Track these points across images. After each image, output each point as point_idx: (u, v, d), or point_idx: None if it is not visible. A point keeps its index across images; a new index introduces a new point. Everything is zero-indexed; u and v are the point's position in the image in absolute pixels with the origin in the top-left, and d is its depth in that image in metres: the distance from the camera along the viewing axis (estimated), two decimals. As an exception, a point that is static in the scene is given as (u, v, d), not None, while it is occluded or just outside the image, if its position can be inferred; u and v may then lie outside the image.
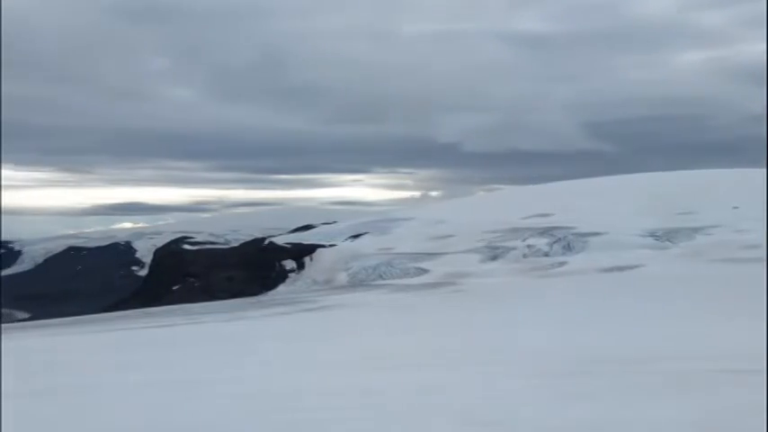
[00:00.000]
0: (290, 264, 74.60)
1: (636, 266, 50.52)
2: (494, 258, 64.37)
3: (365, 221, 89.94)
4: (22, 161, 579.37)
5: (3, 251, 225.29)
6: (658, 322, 18.95)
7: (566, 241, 65.99)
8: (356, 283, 60.67)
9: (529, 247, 66.03)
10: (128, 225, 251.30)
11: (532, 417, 7.34)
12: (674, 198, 72.13)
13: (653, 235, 65.13)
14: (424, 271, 61.10)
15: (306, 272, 72.22)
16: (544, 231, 69.79)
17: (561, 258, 60.96)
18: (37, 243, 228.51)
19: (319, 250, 75.16)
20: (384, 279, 60.55)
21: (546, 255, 63.61)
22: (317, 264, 72.44)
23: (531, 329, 18.49)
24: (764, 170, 74.30)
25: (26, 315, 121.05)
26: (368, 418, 7.60)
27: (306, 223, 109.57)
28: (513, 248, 66.05)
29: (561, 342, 15.04)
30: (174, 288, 75.29)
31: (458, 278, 53.68)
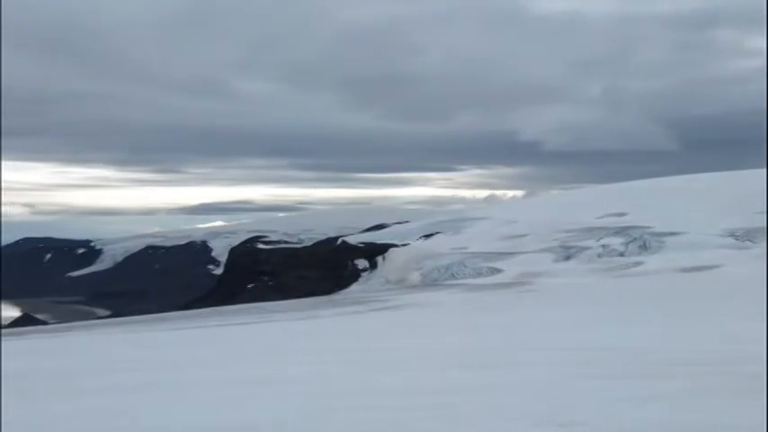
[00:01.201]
0: (362, 263, 74.96)
1: (715, 267, 49.35)
2: (567, 258, 63.66)
3: (438, 221, 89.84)
4: (114, 160, 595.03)
5: (84, 250, 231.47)
6: (738, 323, 18.45)
7: (641, 241, 64.86)
8: (429, 283, 60.63)
9: (603, 246, 65.12)
10: (207, 225, 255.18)
11: (606, 418, 7.19)
12: (755, 197, 70.22)
13: (733, 235, 63.56)
14: (497, 271, 60.75)
15: (378, 271, 72.48)
16: (619, 231, 68.71)
17: (637, 258, 59.96)
18: (117, 242, 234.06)
19: (392, 249, 75.35)
20: (456, 278, 60.39)
21: (621, 255, 62.65)
22: (390, 263, 72.62)
23: (606, 330, 18.19)
24: None
25: (106, 312, 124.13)
26: (439, 418, 7.55)
27: (379, 223, 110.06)
28: (588, 248, 65.22)
29: (637, 343, 14.76)
30: (249, 287, 76.35)
31: (531, 278, 53.23)
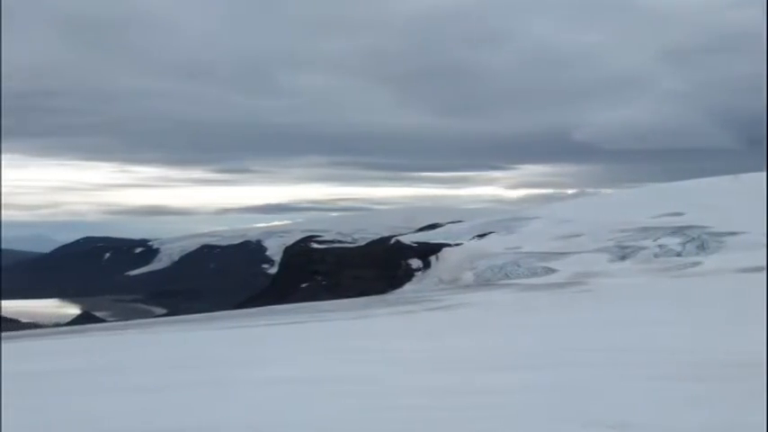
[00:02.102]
0: (416, 262, 74.92)
1: (776, 267, 48.26)
2: (623, 258, 62.91)
3: (492, 220, 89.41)
4: (174, 160, 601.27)
5: (142, 249, 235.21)
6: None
7: (699, 241, 63.77)
8: (482, 283, 60.41)
9: (660, 246, 64.20)
10: (262, 224, 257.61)
11: (659, 420, 7.11)
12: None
13: (794, 234, 62.11)
14: (552, 270, 60.29)
15: (432, 270, 72.39)
16: (676, 231, 67.65)
17: (695, 258, 59.00)
18: (173, 242, 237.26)
19: (445, 249, 75.20)
20: (510, 278, 60.07)
21: (678, 255, 61.70)
22: (443, 263, 72.48)
23: (662, 331, 17.94)
24: None
25: (163, 311, 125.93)
26: (490, 418, 7.54)
27: (433, 222, 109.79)
28: (644, 248, 64.36)
29: (693, 344, 14.55)
30: (303, 286, 76.80)
31: (586, 278, 52.71)
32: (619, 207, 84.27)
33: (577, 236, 72.28)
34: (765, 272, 39.73)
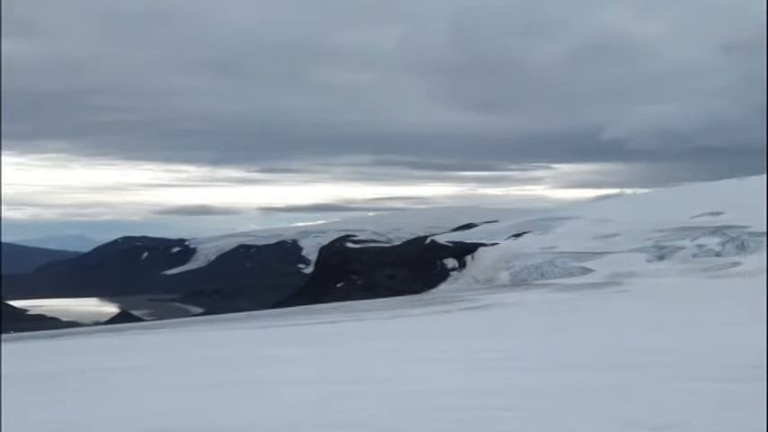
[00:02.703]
0: (451, 262, 74.79)
1: (817, 267, 47.55)
2: (661, 258, 62.31)
3: (528, 220, 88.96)
4: (214, 159, 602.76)
5: (179, 249, 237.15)
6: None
7: (739, 241, 62.96)
8: (518, 282, 60.17)
9: (699, 246, 63.49)
10: (298, 224, 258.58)
11: (700, 422, 7.05)
12: None
13: (836, 234, 61.12)
14: (588, 270, 59.89)
15: (467, 270, 72.22)
16: (715, 230, 66.84)
17: (734, 259, 58.29)
18: (210, 241, 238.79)
19: (481, 249, 74.97)
20: (546, 278, 59.78)
21: (717, 255, 60.98)
22: (479, 262, 72.28)
23: (701, 331, 17.77)
24: None
25: (200, 310, 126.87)
26: (528, 419, 7.52)
27: (468, 222, 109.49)
28: (682, 248, 63.70)
29: (732, 345, 14.38)
30: (338, 285, 76.98)
31: (623, 278, 52.32)
32: (657, 206, 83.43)
33: (614, 236, 71.70)
34: None
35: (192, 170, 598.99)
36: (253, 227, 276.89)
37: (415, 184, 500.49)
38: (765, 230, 62.59)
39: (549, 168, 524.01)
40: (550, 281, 57.24)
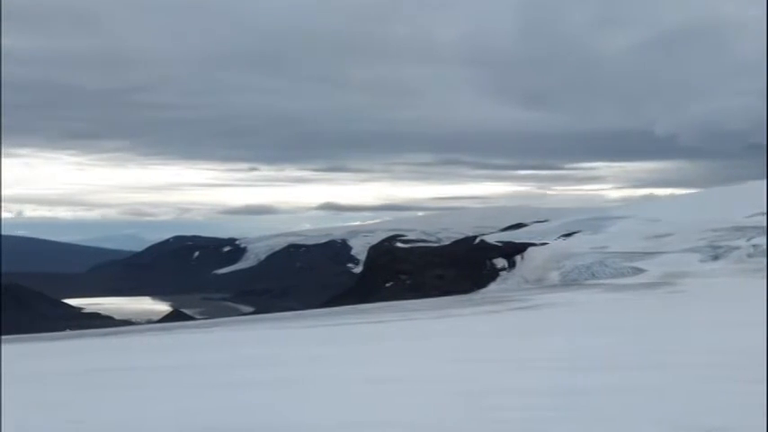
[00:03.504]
0: (500, 262, 74.45)
1: None
2: (715, 258, 61.32)
3: (579, 219, 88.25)
4: (270, 158, 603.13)
5: (230, 248, 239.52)
6: None
7: (796, 240, 61.68)
8: (568, 283, 59.65)
9: (754, 246, 62.33)
10: (348, 223, 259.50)
11: (749, 425, 6.92)
12: None
13: None
14: (640, 271, 59.16)
15: (517, 270, 71.83)
16: (772, 230, 65.54)
17: (791, 258, 57.10)
18: (260, 241, 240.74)
19: (531, 249, 74.51)
20: (597, 278, 59.18)
21: (773, 255, 59.80)
22: (529, 262, 71.84)
23: (754, 333, 17.41)
24: None
25: (250, 309, 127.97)
26: (577, 420, 7.46)
27: (518, 221, 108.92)
28: (737, 248, 62.61)
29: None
30: (387, 285, 77.05)
31: (676, 278, 51.56)
32: (711, 206, 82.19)
33: (667, 235, 70.76)
34: None
35: (248, 169, 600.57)
36: (306, 226, 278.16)
37: (475, 184, 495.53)
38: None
39: (607, 167, 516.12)
40: (601, 281, 56.65)
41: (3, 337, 36.70)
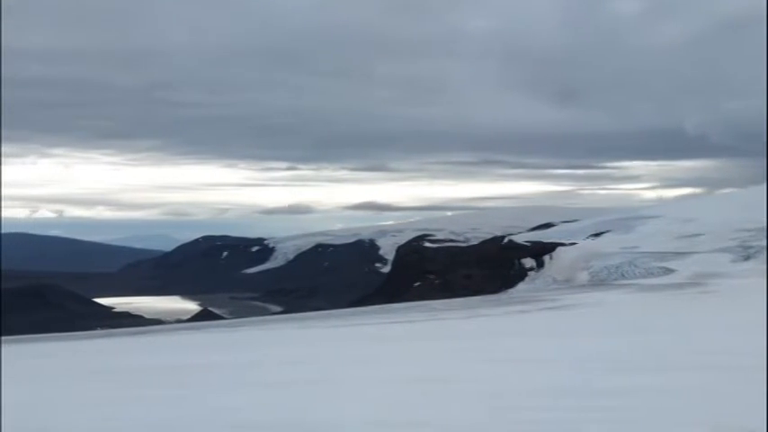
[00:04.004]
0: (529, 262, 74.25)
1: None
2: (747, 258, 60.75)
3: (608, 219, 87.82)
4: (303, 157, 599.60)
5: (258, 248, 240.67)
6: None
7: (829, 240, 60.96)
8: (597, 283, 59.32)
9: (787, 246, 61.63)
10: (375, 223, 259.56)
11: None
12: None
13: None
14: (670, 271, 58.72)
15: (545, 270, 71.61)
16: (805, 230, 64.80)
17: (824, 259, 56.44)
18: (288, 240, 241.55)
19: (559, 248, 74.23)
20: (627, 278, 58.81)
21: (807, 255, 59.12)
22: (557, 262, 71.58)
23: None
24: None
25: (279, 308, 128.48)
26: (610, 421, 7.42)
27: (546, 221, 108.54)
28: (769, 248, 61.91)
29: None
30: (415, 285, 77.09)
31: (707, 279, 51.11)
32: (742, 206, 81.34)
33: (698, 235, 70.18)
34: None
35: (281, 168, 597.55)
36: (339, 226, 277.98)
37: (511, 183, 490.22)
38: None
39: (644, 166, 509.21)
40: (631, 281, 56.26)
41: (35, 335, 37.15)
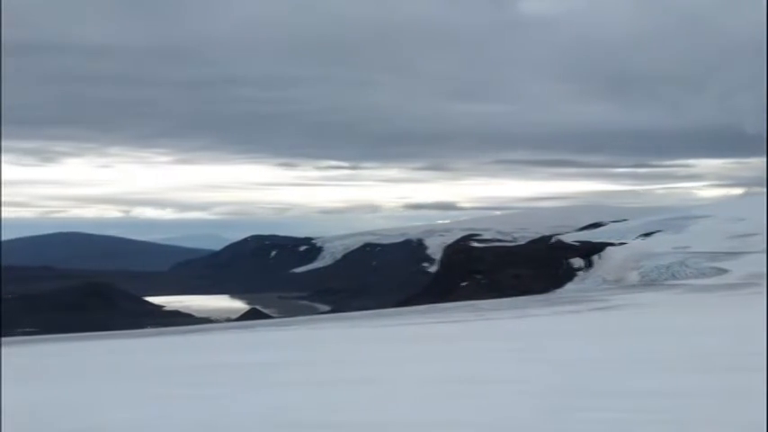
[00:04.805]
0: (577, 262, 73.61)
1: None
2: (803, 258, 59.50)
3: (658, 219, 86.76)
4: (354, 156, 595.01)
5: (306, 247, 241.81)
6: None
7: None
8: (648, 283, 58.68)
9: (844, 246, 60.33)
10: (423, 223, 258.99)
11: None
12: None
13: None
14: (723, 271, 57.85)
15: (594, 270, 70.95)
16: None
17: None
18: (336, 240, 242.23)
19: (609, 248, 73.50)
20: (678, 279, 58.09)
21: None
22: (607, 262, 70.89)
23: None
24: None
25: (326, 308, 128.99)
26: (667, 422, 7.33)
27: (595, 221, 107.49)
28: (826, 248, 60.65)
29: None
30: (463, 284, 76.85)
31: (760, 279, 50.21)
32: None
33: (752, 235, 68.98)
34: None
35: (338, 167, 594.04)
36: (407, 223, 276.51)
37: (570, 182, 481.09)
38: None
39: (706, 164, 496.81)
40: (682, 281, 55.55)
41: (89, 333, 37.80)
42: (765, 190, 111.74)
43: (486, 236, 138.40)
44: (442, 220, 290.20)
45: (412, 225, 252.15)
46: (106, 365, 17.33)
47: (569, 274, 71.83)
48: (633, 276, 63.37)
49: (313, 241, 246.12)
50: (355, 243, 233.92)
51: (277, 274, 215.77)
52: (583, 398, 8.98)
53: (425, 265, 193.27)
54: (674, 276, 59.79)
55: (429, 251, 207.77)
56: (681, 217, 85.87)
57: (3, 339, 31.10)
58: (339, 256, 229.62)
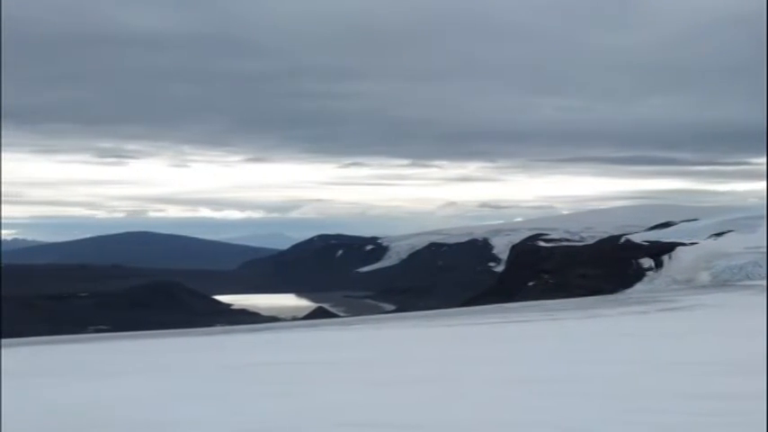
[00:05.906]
0: (647, 262, 72.49)
1: None
2: None
3: (731, 218, 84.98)
4: (433, 153, 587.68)
5: (372, 247, 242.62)
6: None
7: None
8: (720, 283, 57.52)
9: None
10: (489, 222, 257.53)
11: None
12: None
13: None
14: (799, 272, 56.32)
15: (664, 270, 69.79)
16: None
17: None
18: (402, 239, 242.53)
19: (679, 248, 72.22)
20: (751, 279, 56.80)
21: None
22: (677, 262, 69.68)
23: None
24: None
25: (392, 307, 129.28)
26: (733, 425, 7.23)
27: (665, 220, 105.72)
28: None
29: None
30: (529, 284, 76.32)
31: (838, 280, 48.81)
32: None
33: (829, 234, 67.07)
34: None
35: (405, 165, 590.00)
36: (476, 222, 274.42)
37: (649, 180, 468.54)
38: None
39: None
40: (756, 282, 54.26)
41: (158, 331, 38.52)
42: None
43: (554, 235, 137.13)
44: (513, 218, 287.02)
45: (478, 224, 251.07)
46: (177, 363, 17.67)
47: (638, 274, 70.79)
48: (704, 277, 62.19)
49: (379, 241, 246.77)
50: (421, 242, 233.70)
51: (343, 273, 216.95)
52: (652, 400, 8.89)
53: (491, 264, 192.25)
54: (747, 277, 58.52)
55: (495, 251, 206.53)
56: (754, 216, 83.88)
57: (78, 336, 31.92)
58: (405, 255, 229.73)
